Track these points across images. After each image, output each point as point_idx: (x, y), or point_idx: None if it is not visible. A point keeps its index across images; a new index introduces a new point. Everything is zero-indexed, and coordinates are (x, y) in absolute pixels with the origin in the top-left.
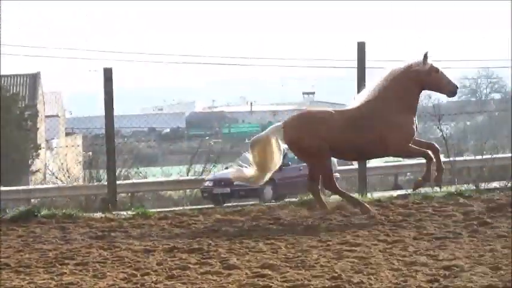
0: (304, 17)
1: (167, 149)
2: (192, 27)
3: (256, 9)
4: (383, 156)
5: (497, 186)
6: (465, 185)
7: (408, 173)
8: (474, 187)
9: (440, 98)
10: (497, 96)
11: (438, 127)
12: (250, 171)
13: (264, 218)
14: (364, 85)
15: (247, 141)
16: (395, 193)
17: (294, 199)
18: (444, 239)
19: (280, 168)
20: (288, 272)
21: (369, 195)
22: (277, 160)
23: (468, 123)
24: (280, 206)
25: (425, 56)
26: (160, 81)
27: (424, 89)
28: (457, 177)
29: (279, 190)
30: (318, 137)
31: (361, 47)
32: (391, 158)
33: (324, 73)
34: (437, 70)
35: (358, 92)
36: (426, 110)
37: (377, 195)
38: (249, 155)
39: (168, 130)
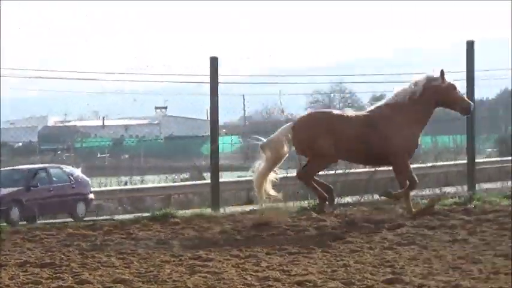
0: (158, 29)
1: (19, 164)
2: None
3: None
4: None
5: (350, 201)
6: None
7: None
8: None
9: (294, 112)
10: None
11: None
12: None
13: (116, 232)
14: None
15: (99, 155)
16: (248, 208)
17: (146, 214)
18: (297, 254)
19: (28, 189)
20: (141, 286)
21: (221, 210)
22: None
23: None
24: (133, 220)
25: (443, 73)
26: (12, 93)
27: (438, 105)
28: (309, 192)
29: (27, 211)
30: (328, 138)
31: (213, 61)
32: (244, 173)
33: (177, 87)
34: (455, 87)
35: (211, 105)
36: (280, 124)
37: (230, 210)
38: (262, 156)
39: (20, 144)
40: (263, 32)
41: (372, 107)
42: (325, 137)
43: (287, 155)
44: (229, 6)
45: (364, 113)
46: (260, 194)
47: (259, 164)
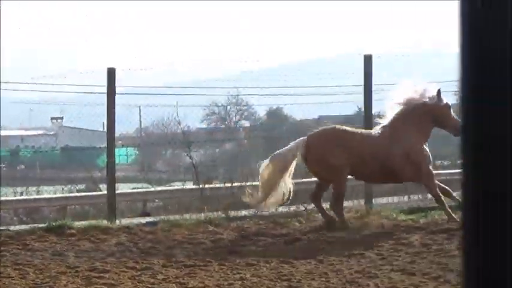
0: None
1: None
2: None
3: None
4: (408, 181)
5: (247, 214)
6: (215, 213)
7: (156, 200)
8: (224, 215)
9: (190, 124)
10: (246, 123)
11: (188, 154)
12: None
13: (12, 243)
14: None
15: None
16: (144, 220)
17: (42, 224)
18: (194, 266)
19: None
20: None
21: (117, 221)
22: (288, 185)
23: (217, 150)
24: (29, 231)
25: (439, 92)
26: None
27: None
28: (206, 205)
29: None
30: (343, 155)
31: (110, 73)
32: (139, 185)
33: (73, 98)
34: (449, 107)
35: (108, 117)
36: (176, 136)
37: (126, 221)
38: (261, 172)
39: None
40: (163, 43)
41: (384, 124)
42: (340, 154)
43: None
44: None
45: (377, 130)
46: (264, 201)
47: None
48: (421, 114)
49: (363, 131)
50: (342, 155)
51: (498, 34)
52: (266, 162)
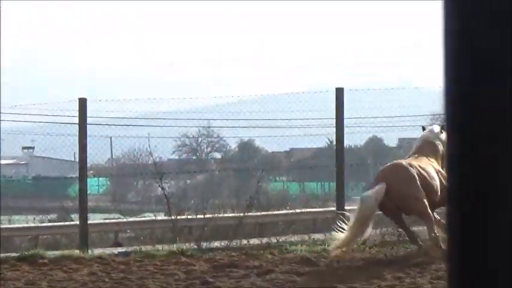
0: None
1: None
2: None
3: None
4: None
5: (219, 245)
6: (187, 244)
7: (128, 230)
8: (196, 246)
9: (162, 155)
10: (218, 155)
11: (159, 185)
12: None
13: None
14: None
15: None
16: (116, 250)
17: (14, 254)
18: None
19: None
20: None
21: (90, 251)
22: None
23: (188, 181)
24: (1, 260)
25: (443, 128)
26: None
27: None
28: (178, 236)
29: None
30: (420, 189)
31: (81, 102)
32: (111, 215)
33: (44, 127)
34: None
35: (79, 147)
36: (147, 167)
37: (98, 251)
38: (354, 214)
39: None
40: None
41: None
42: (417, 189)
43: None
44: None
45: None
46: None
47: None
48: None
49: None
50: (420, 189)
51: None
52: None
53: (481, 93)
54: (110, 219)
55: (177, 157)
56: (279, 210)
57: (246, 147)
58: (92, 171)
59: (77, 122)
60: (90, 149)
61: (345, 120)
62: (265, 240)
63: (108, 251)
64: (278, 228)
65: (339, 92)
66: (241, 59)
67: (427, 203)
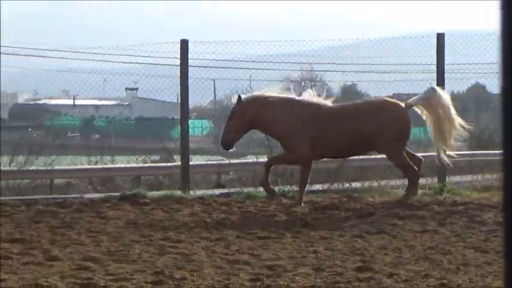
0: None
1: None
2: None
3: None
4: None
5: (320, 188)
6: (288, 186)
7: (231, 172)
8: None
9: None
10: None
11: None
12: None
13: (86, 211)
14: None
15: (69, 134)
16: (218, 191)
17: (116, 193)
18: (267, 238)
19: None
20: (111, 265)
21: (191, 192)
22: None
23: None
24: (103, 200)
25: None
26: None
27: None
28: (279, 178)
29: None
30: None
31: (183, 44)
32: (214, 157)
33: (147, 69)
34: None
35: (181, 89)
36: None
37: (200, 192)
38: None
39: None
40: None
41: None
42: None
43: None
44: None
45: None
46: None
47: None
48: None
49: None
50: None
51: None
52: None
53: None
54: (212, 160)
55: None
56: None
57: (349, 91)
58: (194, 113)
59: (179, 63)
60: (192, 91)
61: (445, 66)
62: (366, 183)
63: (210, 192)
64: (380, 172)
65: (440, 37)
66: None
67: None
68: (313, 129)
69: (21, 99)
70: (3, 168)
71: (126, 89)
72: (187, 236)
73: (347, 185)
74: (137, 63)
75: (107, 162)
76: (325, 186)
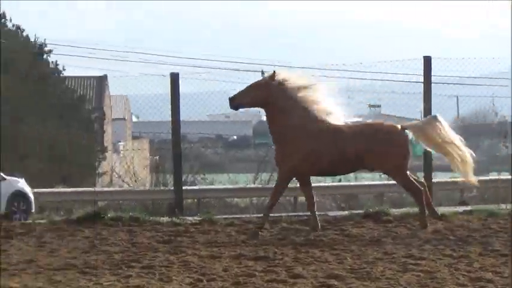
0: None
1: (233, 157)
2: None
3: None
4: None
5: None
6: None
7: (474, 190)
8: None
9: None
10: None
11: (504, 144)
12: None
13: (329, 228)
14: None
15: None
16: (460, 209)
17: (360, 211)
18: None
19: None
20: (354, 283)
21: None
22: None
23: None
24: (346, 217)
25: None
26: (224, 86)
27: None
28: None
29: None
30: None
31: (427, 61)
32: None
33: (388, 86)
34: None
35: (424, 106)
36: (492, 127)
37: (442, 210)
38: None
39: (235, 137)
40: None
41: None
42: None
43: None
44: None
45: None
46: None
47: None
48: None
49: None
50: None
51: None
52: None
53: None
54: (455, 178)
55: None
56: None
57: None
58: None
59: (422, 80)
60: (435, 108)
61: None
62: None
63: (452, 209)
64: None
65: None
66: None
67: None
68: (313, 144)
69: (264, 117)
70: (247, 185)
71: (370, 105)
72: (430, 253)
73: None
74: (379, 79)
75: (350, 180)
76: None
